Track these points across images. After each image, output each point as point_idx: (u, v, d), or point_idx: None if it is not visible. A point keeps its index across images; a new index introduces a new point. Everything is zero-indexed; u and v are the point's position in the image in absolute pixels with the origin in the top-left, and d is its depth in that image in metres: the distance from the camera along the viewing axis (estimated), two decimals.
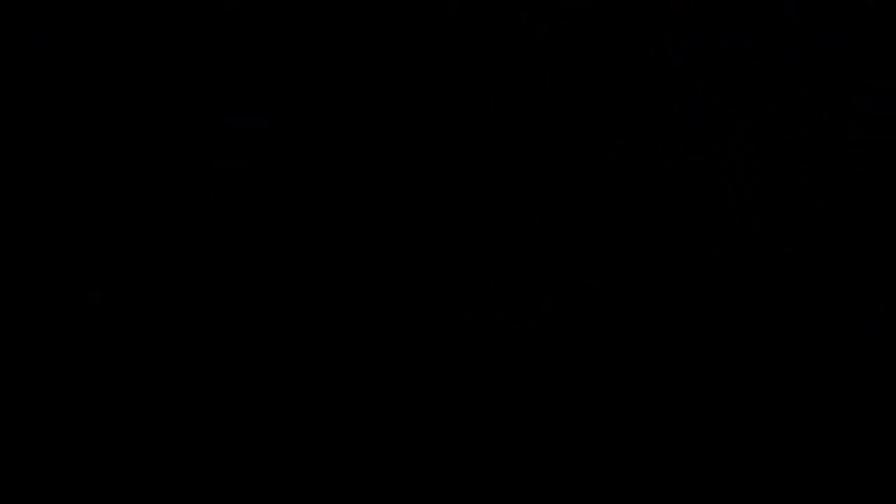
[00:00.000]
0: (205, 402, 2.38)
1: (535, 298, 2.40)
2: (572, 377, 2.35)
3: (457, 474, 2.34)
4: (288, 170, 2.46)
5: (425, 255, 2.43)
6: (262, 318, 2.42)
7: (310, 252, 2.44)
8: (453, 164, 2.45)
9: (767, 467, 2.24)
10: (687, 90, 2.43)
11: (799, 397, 2.26)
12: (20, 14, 2.54)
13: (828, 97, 2.37)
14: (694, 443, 2.28)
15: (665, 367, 2.33)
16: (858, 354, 2.24)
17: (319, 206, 2.45)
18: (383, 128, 2.45)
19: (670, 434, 2.29)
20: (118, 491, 2.37)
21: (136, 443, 2.38)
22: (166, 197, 2.47)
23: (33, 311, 2.44)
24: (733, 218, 2.39)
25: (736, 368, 2.34)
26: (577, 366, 2.36)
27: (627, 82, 2.45)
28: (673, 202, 2.42)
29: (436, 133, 2.45)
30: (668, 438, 2.29)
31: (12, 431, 2.38)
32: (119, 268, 2.45)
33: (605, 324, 2.38)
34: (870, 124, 2.31)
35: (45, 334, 2.42)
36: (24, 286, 2.45)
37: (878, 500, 2.18)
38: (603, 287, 2.42)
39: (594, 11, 2.47)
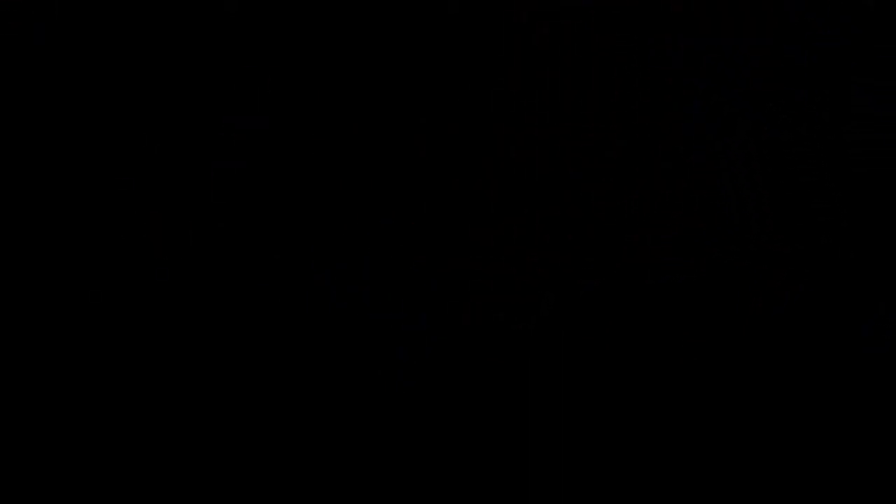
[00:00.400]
0: (205, 401, 2.38)
1: (535, 298, 2.40)
2: (572, 377, 2.35)
3: (457, 474, 2.34)
4: (288, 170, 2.46)
5: (425, 255, 2.43)
6: (262, 317, 2.42)
7: (310, 252, 2.44)
8: (453, 164, 2.45)
9: (768, 467, 2.24)
10: (687, 90, 2.43)
11: (799, 397, 2.26)
12: (20, 14, 2.54)
13: (828, 97, 2.37)
14: (694, 443, 2.28)
15: (665, 367, 2.33)
16: (858, 354, 2.24)
17: (319, 206, 2.45)
18: (383, 128, 2.45)
19: (670, 434, 2.29)
20: (118, 491, 2.37)
21: (136, 442, 2.38)
22: (166, 197, 2.47)
23: (34, 311, 2.44)
24: (733, 218, 2.39)
25: (736, 368, 2.34)
26: (577, 366, 2.36)
27: (627, 82, 2.45)
28: (673, 202, 2.42)
29: (436, 133, 2.45)
30: (669, 438, 2.29)
31: (12, 431, 2.38)
32: (119, 268, 2.45)
33: (605, 324, 2.38)
34: (870, 124, 2.31)
35: (45, 334, 2.42)
36: (24, 286, 2.45)
37: (878, 500, 2.18)
38: (603, 287, 2.42)
39: (594, 11, 2.47)
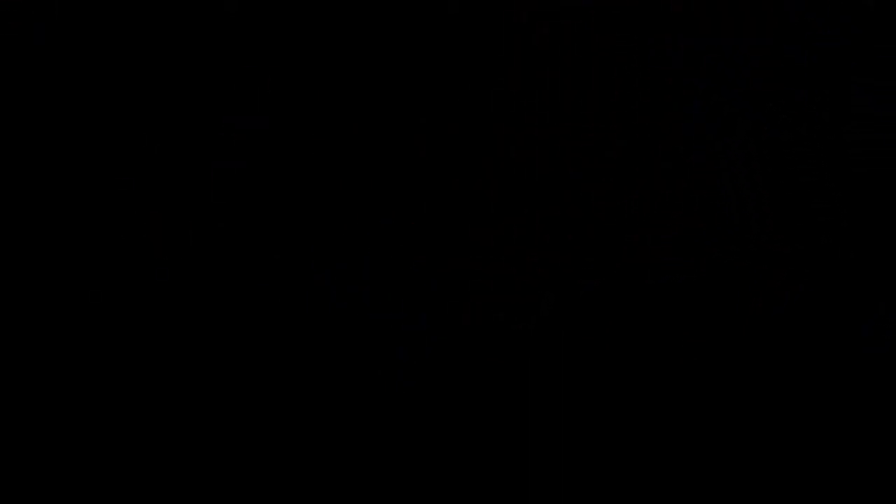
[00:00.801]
0: (205, 401, 2.38)
1: (535, 298, 2.40)
2: (572, 377, 2.35)
3: (457, 474, 2.34)
4: (288, 170, 2.46)
5: (425, 255, 2.43)
6: (263, 317, 2.42)
7: (310, 252, 2.44)
8: (453, 164, 2.45)
9: (768, 467, 2.24)
10: (687, 90, 2.43)
11: (799, 397, 2.26)
12: (20, 14, 2.54)
13: (828, 97, 2.37)
14: (694, 443, 2.28)
15: (665, 366, 2.33)
16: (858, 354, 2.24)
17: (319, 206, 2.45)
18: (383, 128, 2.45)
19: (670, 434, 2.29)
20: (118, 490, 2.37)
21: (136, 443, 2.38)
22: (166, 197, 2.47)
23: (33, 311, 2.44)
24: (733, 218, 2.39)
25: (736, 368, 2.34)
26: (577, 366, 2.36)
27: (627, 82, 2.45)
28: (673, 202, 2.42)
29: (436, 133, 2.45)
30: (669, 438, 2.29)
31: (12, 431, 2.38)
32: (119, 267, 2.45)
33: (605, 324, 2.38)
34: (870, 124, 2.31)
35: (45, 334, 2.42)
36: (24, 286, 2.45)
37: (878, 499, 2.18)
38: (603, 287, 2.42)
39: (594, 11, 2.47)
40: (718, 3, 2.43)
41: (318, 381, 2.39)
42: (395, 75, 2.47)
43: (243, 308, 2.42)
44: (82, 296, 2.44)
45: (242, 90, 2.48)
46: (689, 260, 2.38)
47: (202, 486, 2.36)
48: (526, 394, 2.36)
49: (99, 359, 2.41)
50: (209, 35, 2.49)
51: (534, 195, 2.44)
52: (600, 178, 2.43)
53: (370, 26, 2.49)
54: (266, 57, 2.50)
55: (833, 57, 2.35)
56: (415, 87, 2.47)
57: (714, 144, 2.41)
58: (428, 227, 2.44)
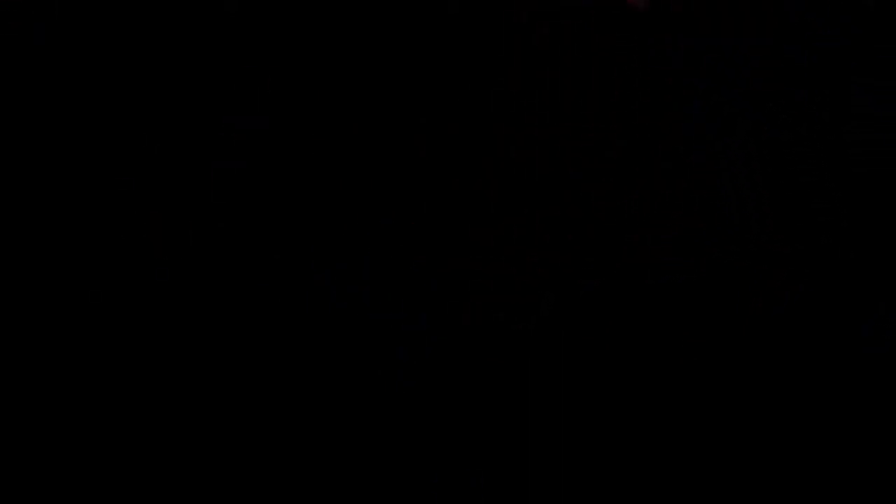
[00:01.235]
0: (204, 401, 2.38)
1: (535, 298, 2.40)
2: (572, 377, 2.35)
3: (457, 474, 2.34)
4: (288, 170, 2.46)
5: (425, 254, 2.43)
6: (262, 317, 2.42)
7: (310, 252, 2.44)
8: (453, 164, 2.45)
9: (767, 467, 2.24)
10: (687, 90, 2.44)
11: (799, 397, 2.26)
12: (20, 14, 2.54)
13: (828, 97, 2.37)
14: (694, 442, 2.28)
15: (665, 366, 2.34)
16: (858, 354, 2.24)
17: (319, 206, 2.45)
18: (383, 128, 2.46)
19: (670, 434, 2.30)
20: (117, 492, 2.37)
21: (134, 443, 2.38)
22: (166, 197, 2.48)
23: (33, 311, 2.44)
24: (733, 218, 2.39)
25: (736, 368, 2.34)
26: (577, 366, 2.36)
27: (627, 82, 2.45)
28: (673, 202, 2.42)
29: (436, 133, 2.45)
30: (669, 438, 2.29)
31: (11, 432, 2.38)
32: (119, 267, 2.45)
33: (605, 324, 2.38)
34: (870, 124, 2.32)
35: (43, 334, 2.42)
36: (24, 286, 2.45)
37: (878, 499, 2.18)
38: (603, 287, 2.42)
39: (594, 11, 2.47)
40: (719, 4, 2.43)
41: (319, 380, 2.39)
42: (395, 75, 2.48)
43: (243, 307, 2.42)
44: (82, 295, 2.44)
45: (242, 90, 2.48)
46: (689, 260, 2.38)
47: (201, 486, 2.36)
48: (526, 394, 2.36)
49: (98, 358, 2.41)
50: (209, 35, 2.49)
51: (534, 195, 2.44)
52: (600, 178, 2.44)
53: (370, 26, 2.49)
54: (266, 57, 2.50)
55: (833, 57, 2.36)
56: (414, 87, 2.47)
57: (714, 144, 2.41)
58: (428, 227, 2.44)
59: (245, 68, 2.48)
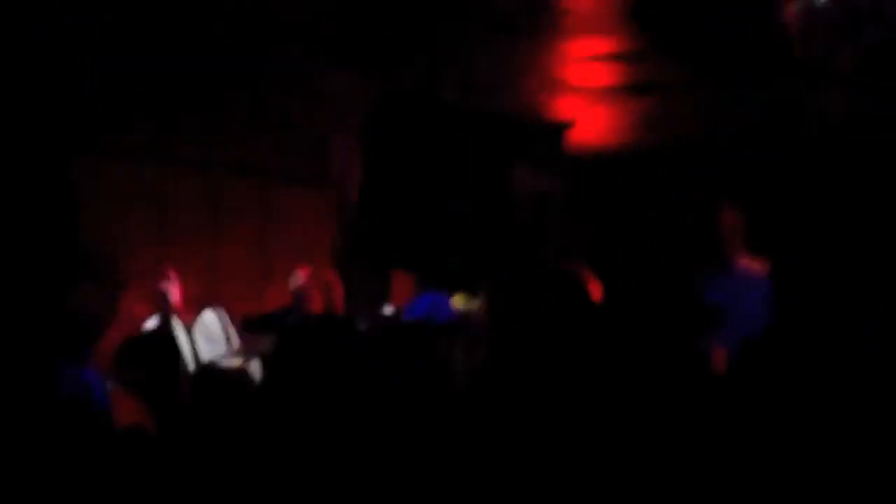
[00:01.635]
0: None
1: (535, 298, 2.41)
2: (572, 377, 2.36)
3: (457, 474, 2.35)
4: None
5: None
6: None
7: None
8: None
9: (767, 467, 2.25)
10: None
11: (799, 397, 2.26)
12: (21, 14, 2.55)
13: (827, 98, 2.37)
14: (693, 442, 2.29)
15: (665, 366, 2.34)
16: (858, 354, 2.24)
17: None
18: None
19: (670, 434, 2.30)
20: None
21: None
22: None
23: (33, 311, 2.44)
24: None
25: (735, 368, 2.35)
26: (577, 366, 2.36)
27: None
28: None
29: None
30: (668, 438, 2.30)
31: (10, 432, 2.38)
32: None
33: (604, 324, 2.39)
34: (870, 124, 2.32)
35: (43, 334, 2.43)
36: (25, 287, 2.45)
37: (877, 499, 2.17)
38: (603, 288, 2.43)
39: None
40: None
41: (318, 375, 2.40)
42: None
43: None
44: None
45: None
46: (688, 260, 2.38)
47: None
48: (526, 394, 2.37)
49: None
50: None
51: None
52: None
53: None
54: None
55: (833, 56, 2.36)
56: None
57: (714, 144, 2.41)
58: None
59: None
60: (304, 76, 4.68)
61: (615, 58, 4.49)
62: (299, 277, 4.25)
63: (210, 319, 4.06)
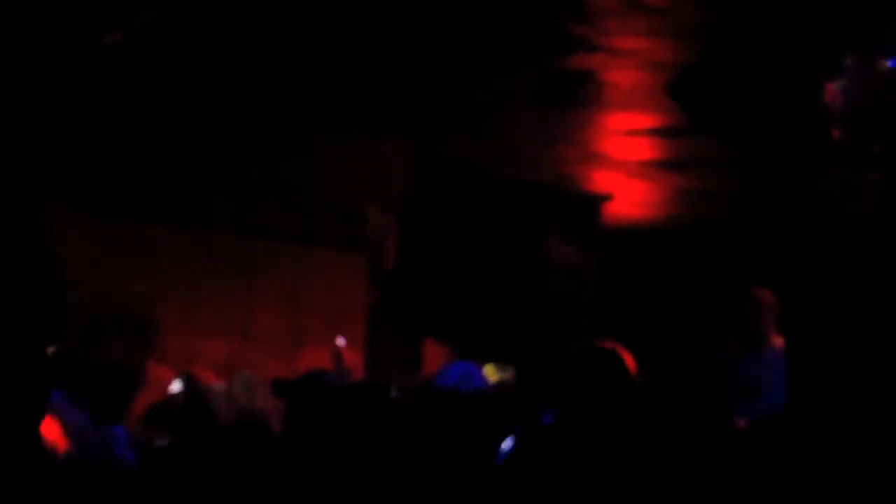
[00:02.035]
0: None
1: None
2: (616, 457, 2.34)
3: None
4: None
5: None
6: None
7: None
8: None
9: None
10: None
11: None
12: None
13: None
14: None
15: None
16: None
17: None
18: None
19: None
20: None
21: None
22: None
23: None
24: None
25: (755, 444, 2.33)
26: (622, 445, 2.35)
27: None
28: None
29: None
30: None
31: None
32: None
33: (643, 403, 2.38)
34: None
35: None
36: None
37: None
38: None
39: None
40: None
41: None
42: None
43: None
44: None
45: None
46: (722, 336, 2.37)
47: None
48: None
49: None
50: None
51: None
52: None
53: None
54: None
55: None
56: None
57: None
58: None
59: None
60: (341, 143, 4.71)
61: (654, 132, 4.50)
62: (339, 342, 4.24)
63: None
